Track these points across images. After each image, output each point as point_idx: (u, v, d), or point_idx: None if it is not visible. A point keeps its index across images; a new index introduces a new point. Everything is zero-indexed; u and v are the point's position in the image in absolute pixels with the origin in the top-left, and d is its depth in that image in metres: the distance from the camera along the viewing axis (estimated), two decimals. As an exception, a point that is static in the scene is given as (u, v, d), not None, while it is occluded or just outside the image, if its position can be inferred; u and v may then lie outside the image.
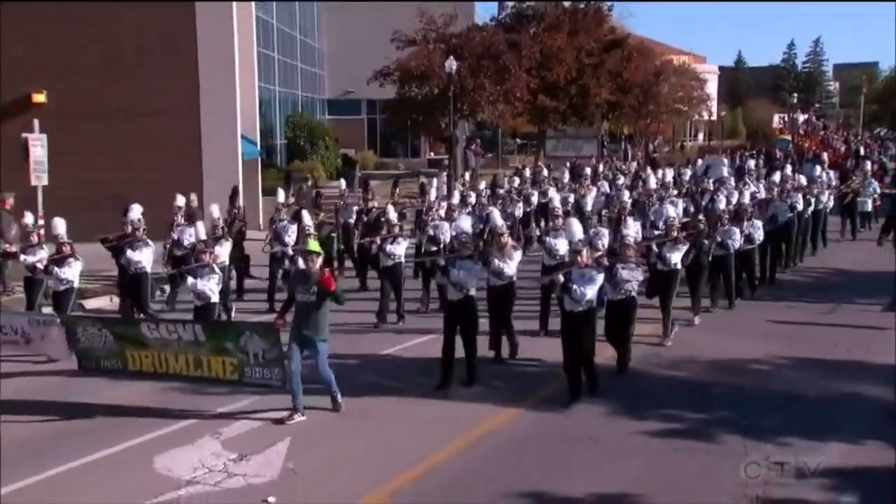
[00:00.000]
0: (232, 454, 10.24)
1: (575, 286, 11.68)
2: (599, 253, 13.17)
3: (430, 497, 9.11)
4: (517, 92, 43.13)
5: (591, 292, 11.76)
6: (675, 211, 17.36)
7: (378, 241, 17.56)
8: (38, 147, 21.16)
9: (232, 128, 28.13)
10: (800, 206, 22.23)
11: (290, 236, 18.78)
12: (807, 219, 23.06)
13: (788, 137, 54.95)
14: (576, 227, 12.85)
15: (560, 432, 11.07)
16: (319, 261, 11.51)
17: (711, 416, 11.58)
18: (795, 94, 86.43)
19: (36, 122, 21.91)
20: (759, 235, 18.74)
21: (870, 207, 28.38)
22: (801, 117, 69.52)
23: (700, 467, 9.96)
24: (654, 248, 15.75)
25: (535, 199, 27.08)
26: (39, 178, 21.08)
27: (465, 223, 14.16)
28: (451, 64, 38.57)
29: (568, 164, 36.98)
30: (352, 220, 21.68)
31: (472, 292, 12.76)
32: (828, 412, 11.86)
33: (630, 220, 16.18)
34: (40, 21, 25.40)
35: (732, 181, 26.76)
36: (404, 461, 9.98)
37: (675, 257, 15.45)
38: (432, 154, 56.02)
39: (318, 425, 11.21)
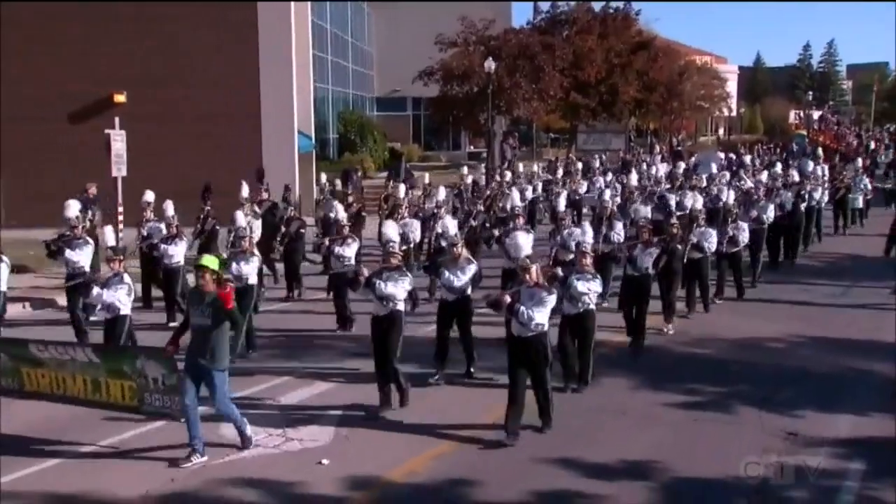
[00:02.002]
0: (290, 420, 10.37)
1: (522, 308, 9.54)
2: (571, 256, 12.31)
3: (469, 461, 9.15)
4: (551, 90, 43.09)
5: (540, 316, 9.57)
6: (645, 211, 15.50)
7: (326, 241, 15.56)
8: (118, 142, 21.55)
9: (289, 124, 28.34)
10: (789, 205, 20.46)
11: (255, 232, 16.95)
12: (800, 215, 21.31)
13: (804, 133, 54.39)
14: (522, 239, 10.78)
15: (589, 403, 11.10)
16: (209, 277, 9.05)
17: (730, 390, 11.56)
18: (810, 93, 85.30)
19: (116, 120, 22.31)
20: (744, 237, 16.94)
21: (860, 203, 27.18)
22: (816, 114, 68.68)
23: (719, 437, 9.96)
24: (624, 251, 14.07)
25: (529, 193, 25.37)
26: (119, 169, 21.47)
27: (393, 231, 11.89)
28: (490, 64, 38.58)
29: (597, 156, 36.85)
30: (332, 215, 19.49)
31: (400, 307, 10.81)
32: (838, 387, 11.83)
33: (586, 225, 14.74)
34: (121, 31, 25.74)
35: (727, 176, 25.45)
36: (445, 431, 10.03)
37: (647, 261, 13.55)
38: (472, 147, 55.91)
39: (370, 398, 11.29)
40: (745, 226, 17.12)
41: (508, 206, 18.27)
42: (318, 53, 38.71)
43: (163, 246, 15.45)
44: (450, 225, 13.59)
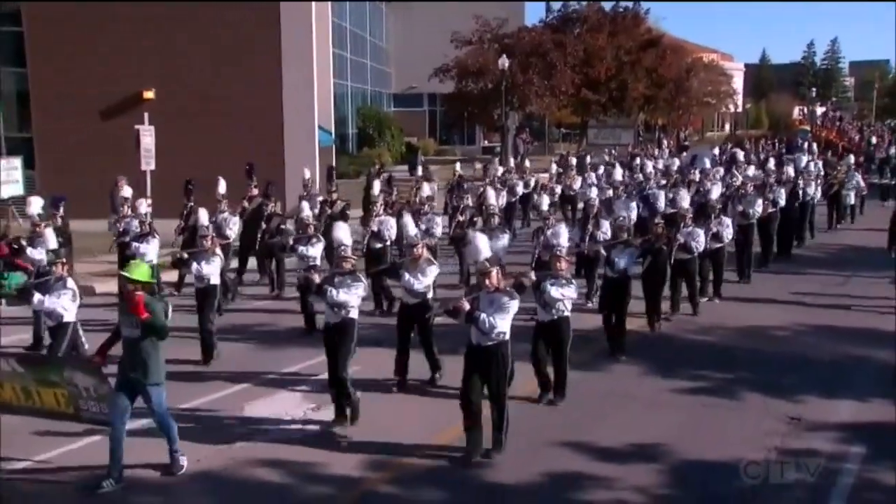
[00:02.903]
0: (311, 404, 10.42)
1: (482, 315, 8.60)
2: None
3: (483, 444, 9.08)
4: (562, 86, 42.99)
5: (502, 323, 8.61)
6: (623, 209, 14.19)
7: (291, 241, 14.45)
8: (147, 137, 21.69)
9: (310, 119, 28.38)
10: (782, 201, 19.25)
11: (232, 229, 16.22)
12: (794, 211, 20.35)
13: (807, 128, 54.05)
14: (480, 242, 9.15)
15: (600, 389, 11.11)
16: (134, 287, 7.99)
17: (735, 376, 11.55)
18: (814, 89, 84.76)
19: (146, 116, 22.46)
20: (728, 234, 15.79)
21: (853, 200, 26.07)
22: (819, 110, 68.25)
23: (725, 421, 9.97)
24: (602, 252, 13.02)
25: (520, 189, 23.87)
26: (148, 163, 21.61)
27: (343, 233, 10.37)
28: (504, 62, 38.56)
29: (609, 152, 36.61)
30: (316, 211, 18.05)
31: (354, 314, 9.71)
32: (839, 373, 11.80)
33: (562, 227, 12.25)
34: (149, 31, 25.83)
35: (721, 172, 24.06)
36: (457, 415, 10.00)
37: (625, 262, 12.52)
38: (486, 142, 55.81)
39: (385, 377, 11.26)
40: (728, 222, 15.99)
41: (488, 204, 16.64)
42: (337, 51, 38.77)
43: (134, 244, 14.60)
44: (409, 224, 12.19)
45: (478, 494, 8.20)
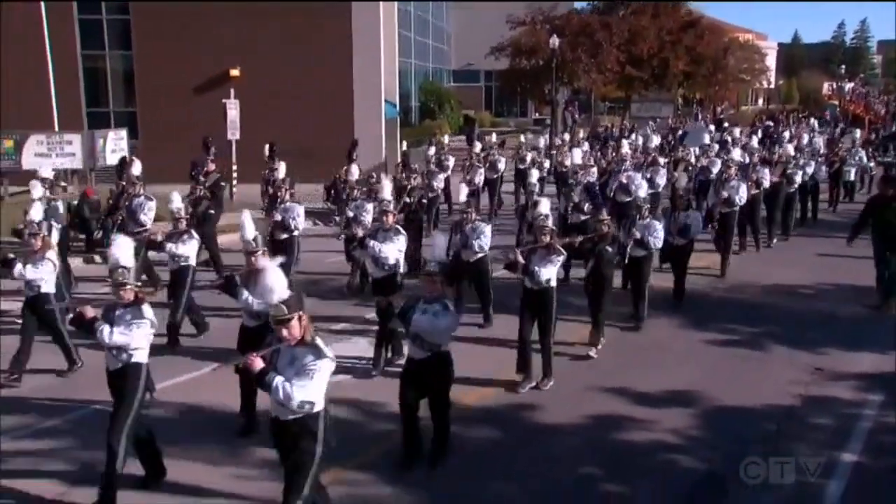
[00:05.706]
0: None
1: (277, 381, 5.35)
2: (474, 258, 9.09)
3: (530, 390, 9.18)
4: (608, 64, 42.61)
5: (304, 391, 5.32)
6: (547, 206, 10.12)
7: (159, 237, 10.94)
8: (232, 110, 22.02)
9: (377, 94, 28.47)
10: (766, 182, 16.41)
11: (147, 214, 12.70)
12: (791, 194, 17.69)
13: (836, 102, 52.56)
14: (271, 277, 5.92)
15: (638, 342, 11.05)
16: None
17: (763, 330, 11.41)
18: (843, 66, 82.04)
19: (232, 91, 22.78)
20: (697, 229, 12.79)
21: (853, 177, 23.15)
22: (848, 85, 66.20)
23: (753, 371, 9.89)
24: (520, 258, 9.14)
25: (501, 165, 20.48)
26: (234, 134, 21.94)
27: (123, 251, 6.77)
28: (554, 41, 38.18)
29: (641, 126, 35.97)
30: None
31: (139, 358, 6.56)
32: (860, 328, 11.60)
33: (438, 235, 8.72)
34: (235, 17, 26.08)
35: (716, 149, 21.09)
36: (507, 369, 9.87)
37: (548, 272, 9.05)
38: (537, 114, 55.40)
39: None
40: (697, 216, 13.12)
41: (380, 199, 11.32)
42: (402, 32, 38.66)
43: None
44: (248, 226, 8.11)
45: (526, 433, 8.25)
